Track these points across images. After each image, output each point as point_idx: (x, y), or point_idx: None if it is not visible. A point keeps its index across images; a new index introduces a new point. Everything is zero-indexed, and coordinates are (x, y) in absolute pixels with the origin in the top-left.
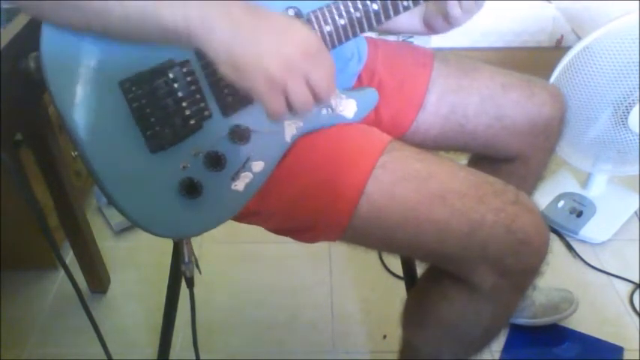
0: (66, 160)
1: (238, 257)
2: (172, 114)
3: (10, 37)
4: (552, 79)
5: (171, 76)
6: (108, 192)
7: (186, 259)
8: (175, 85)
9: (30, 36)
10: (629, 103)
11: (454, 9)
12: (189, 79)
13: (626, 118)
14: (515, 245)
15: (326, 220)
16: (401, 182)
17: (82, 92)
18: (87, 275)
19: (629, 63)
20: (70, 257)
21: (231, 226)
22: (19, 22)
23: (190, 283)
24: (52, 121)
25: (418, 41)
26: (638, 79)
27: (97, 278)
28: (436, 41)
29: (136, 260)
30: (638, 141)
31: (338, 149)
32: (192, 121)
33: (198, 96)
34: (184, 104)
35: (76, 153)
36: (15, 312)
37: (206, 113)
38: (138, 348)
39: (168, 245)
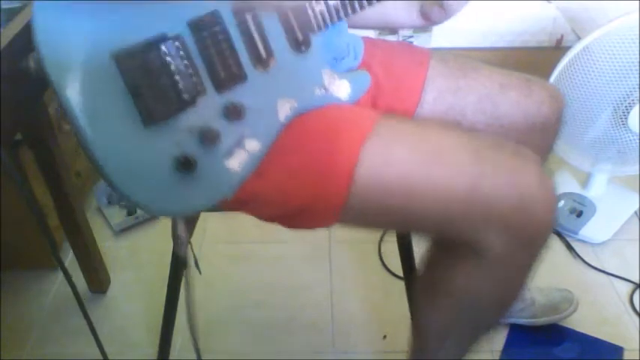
0: (66, 160)
1: (238, 257)
2: (165, 88)
3: (10, 37)
4: (552, 79)
5: (163, 49)
6: (103, 170)
7: (180, 238)
8: (168, 59)
9: (30, 36)
10: (629, 103)
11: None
12: (182, 53)
13: (625, 118)
14: (519, 199)
15: (323, 198)
16: (395, 147)
17: (77, 70)
18: (87, 275)
19: (628, 63)
20: (70, 257)
21: (231, 226)
22: (19, 22)
23: (183, 263)
24: (52, 121)
25: (418, 41)
26: (637, 80)
27: (97, 278)
28: (436, 41)
29: (136, 260)
30: (637, 141)
31: (331, 124)
32: (185, 96)
33: (191, 71)
34: (177, 78)
35: (72, 130)
36: (15, 312)
37: (199, 89)
38: (138, 348)
39: (168, 245)
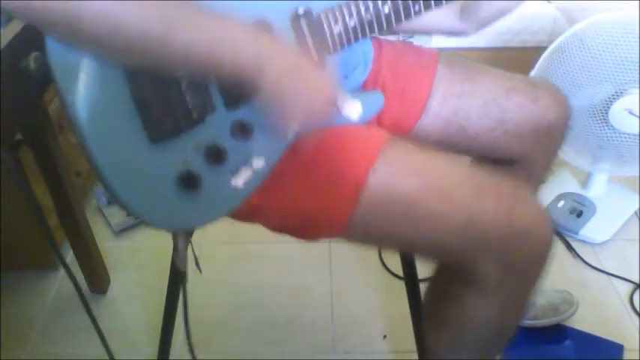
0: (66, 160)
1: (238, 257)
2: (174, 105)
3: (10, 37)
4: (534, 70)
5: None
6: (106, 181)
7: (181, 252)
8: (179, 76)
9: (30, 36)
10: (609, 99)
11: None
12: None
13: (606, 114)
14: (516, 235)
15: (328, 214)
16: (401, 175)
17: (86, 79)
18: (87, 275)
19: (612, 59)
20: (69, 257)
21: (231, 226)
22: (19, 22)
23: (182, 277)
24: (52, 121)
25: (418, 41)
26: (621, 75)
27: (97, 278)
28: (436, 41)
29: (136, 260)
30: (618, 138)
31: (340, 144)
32: (194, 114)
33: (201, 88)
34: (187, 96)
35: (74, 137)
36: (15, 312)
37: (209, 106)
38: (138, 348)
39: (168, 245)
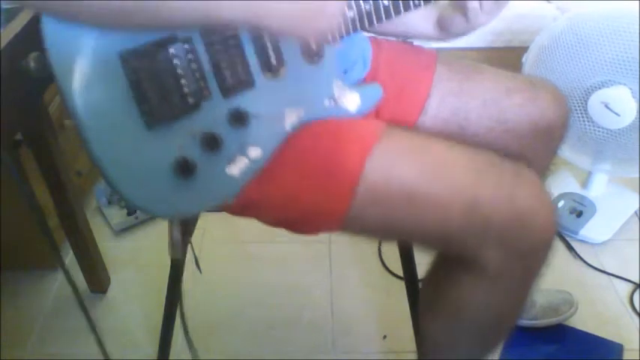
0: (66, 160)
1: (238, 257)
2: (170, 90)
3: (10, 37)
4: (526, 53)
5: (171, 51)
6: (104, 169)
7: (175, 241)
8: (175, 61)
9: (30, 36)
10: (588, 89)
11: (473, 8)
12: (190, 56)
13: (586, 105)
14: (518, 219)
15: (326, 207)
16: (398, 160)
17: (83, 66)
18: (87, 275)
19: (597, 51)
20: (70, 257)
21: (231, 226)
22: (19, 22)
23: (177, 265)
24: (52, 121)
25: (418, 41)
26: (602, 68)
27: (97, 278)
28: (435, 42)
29: (136, 260)
30: (596, 132)
31: (337, 136)
32: (190, 100)
33: (197, 74)
34: (183, 81)
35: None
36: (15, 312)
37: (205, 93)
38: (138, 348)
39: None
